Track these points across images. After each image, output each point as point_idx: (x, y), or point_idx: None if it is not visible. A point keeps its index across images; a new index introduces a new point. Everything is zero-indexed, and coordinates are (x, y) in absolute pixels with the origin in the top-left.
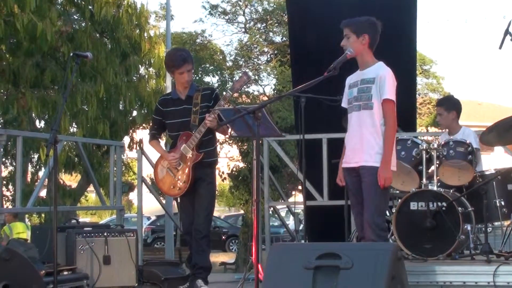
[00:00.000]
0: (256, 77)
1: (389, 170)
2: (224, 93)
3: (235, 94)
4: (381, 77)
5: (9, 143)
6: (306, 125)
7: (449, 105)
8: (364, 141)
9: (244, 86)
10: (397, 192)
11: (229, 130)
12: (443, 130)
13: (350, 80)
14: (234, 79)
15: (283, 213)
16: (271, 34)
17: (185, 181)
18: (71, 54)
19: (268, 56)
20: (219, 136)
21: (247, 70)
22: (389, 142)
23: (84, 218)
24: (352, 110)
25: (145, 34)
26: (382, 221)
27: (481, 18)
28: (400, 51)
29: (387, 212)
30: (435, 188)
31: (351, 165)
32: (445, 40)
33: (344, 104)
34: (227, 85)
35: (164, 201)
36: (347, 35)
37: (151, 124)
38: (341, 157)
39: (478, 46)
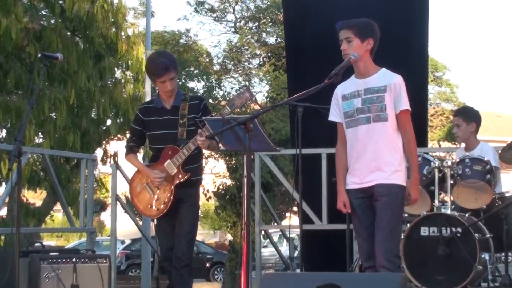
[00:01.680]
0: (247, 82)
1: (417, 189)
2: (223, 108)
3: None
4: (396, 85)
5: None
6: (303, 138)
7: (469, 116)
8: (381, 158)
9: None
10: (406, 215)
11: (219, 144)
12: (458, 145)
13: (343, 89)
14: (221, 85)
15: (276, 238)
16: (264, 34)
17: (165, 202)
18: (39, 55)
19: (261, 60)
20: (205, 150)
21: (247, 84)
22: (414, 156)
23: (49, 241)
24: (357, 124)
25: (122, 33)
26: (396, 246)
27: (500, 18)
28: (409, 56)
29: None
30: (448, 212)
31: (362, 185)
32: (459, 44)
33: (335, 117)
34: (214, 92)
35: (141, 223)
36: (348, 39)
37: (128, 135)
38: (338, 177)
39: (497, 50)
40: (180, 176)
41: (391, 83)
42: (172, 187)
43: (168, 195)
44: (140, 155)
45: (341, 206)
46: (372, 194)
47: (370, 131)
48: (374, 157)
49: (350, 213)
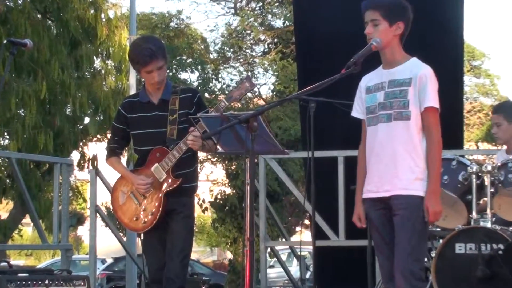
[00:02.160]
0: (249, 73)
1: (438, 202)
2: (219, 102)
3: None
4: (421, 77)
5: None
6: (316, 139)
7: (511, 113)
8: (400, 163)
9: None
10: (438, 230)
11: (216, 146)
12: (500, 147)
13: (368, 81)
14: (219, 76)
15: (284, 256)
16: (269, 16)
17: (154, 212)
18: (4, 41)
19: (266, 46)
20: (200, 153)
21: (249, 75)
22: (436, 163)
23: (17, 260)
24: (378, 122)
25: (102, 16)
26: (420, 268)
27: None
28: (441, 43)
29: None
30: (488, 225)
31: (379, 194)
32: (501, 28)
33: (357, 113)
34: (210, 85)
35: (125, 238)
36: (375, 21)
37: (110, 135)
38: (358, 185)
39: None
40: (170, 183)
41: (417, 75)
42: (161, 195)
43: (157, 204)
44: (124, 159)
45: (356, 219)
46: (391, 206)
47: (390, 131)
48: (392, 162)
49: (368, 228)
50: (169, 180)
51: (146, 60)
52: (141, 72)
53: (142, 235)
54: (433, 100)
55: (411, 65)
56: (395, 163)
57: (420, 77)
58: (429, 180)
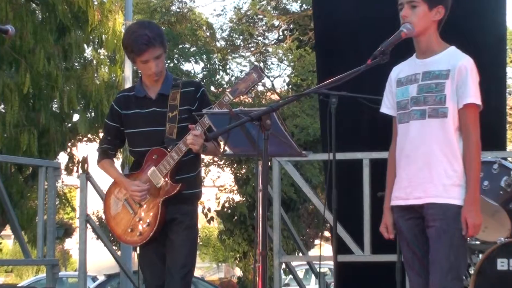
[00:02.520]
0: (261, 64)
1: (478, 212)
2: (222, 96)
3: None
4: (461, 69)
5: None
6: (338, 139)
7: None
8: (434, 166)
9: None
10: (477, 243)
11: (222, 147)
12: None
13: (399, 72)
14: (227, 67)
15: (301, 273)
16: None
17: (150, 223)
18: None
19: (280, 33)
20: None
21: (260, 65)
22: (475, 167)
23: None
24: (409, 119)
25: None
26: (459, 287)
27: None
28: (480, 31)
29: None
30: None
31: (409, 201)
32: None
33: (387, 109)
34: (217, 77)
35: (119, 253)
36: (412, 3)
37: (102, 134)
38: (387, 190)
39: None
40: (168, 189)
41: (456, 66)
42: (159, 203)
43: (154, 213)
44: (118, 162)
45: (383, 229)
46: (424, 216)
47: (424, 130)
48: (425, 165)
49: (397, 240)
50: (168, 186)
51: (141, 48)
52: (137, 62)
53: (138, 248)
54: (474, 95)
55: (449, 55)
56: (429, 166)
57: (459, 68)
58: (467, 187)
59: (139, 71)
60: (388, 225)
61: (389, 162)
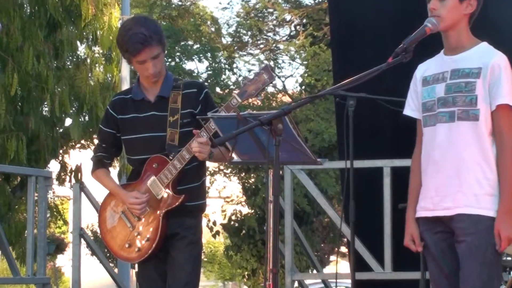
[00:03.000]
0: (272, 62)
1: None
2: (230, 99)
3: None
4: (494, 67)
5: None
6: (356, 145)
7: None
8: (465, 174)
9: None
10: (508, 259)
11: (230, 153)
12: None
13: (425, 70)
14: (234, 66)
15: None
16: None
17: (150, 238)
18: None
19: (292, 28)
20: (210, 163)
21: (270, 64)
22: (510, 175)
23: None
24: (436, 121)
25: None
26: None
27: None
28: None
29: None
30: None
31: (436, 213)
32: None
33: (411, 110)
34: (223, 77)
35: (116, 270)
36: None
37: (97, 141)
38: (411, 199)
39: None
40: (170, 200)
41: (488, 64)
42: (160, 216)
43: (154, 228)
44: (114, 171)
45: (409, 242)
46: (453, 229)
47: (453, 134)
48: (455, 173)
49: (423, 254)
50: (169, 197)
51: (137, 48)
52: (133, 63)
53: (136, 266)
54: (508, 95)
55: (481, 51)
56: (459, 174)
57: (492, 67)
58: (501, 196)
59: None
60: (414, 236)
61: (412, 169)
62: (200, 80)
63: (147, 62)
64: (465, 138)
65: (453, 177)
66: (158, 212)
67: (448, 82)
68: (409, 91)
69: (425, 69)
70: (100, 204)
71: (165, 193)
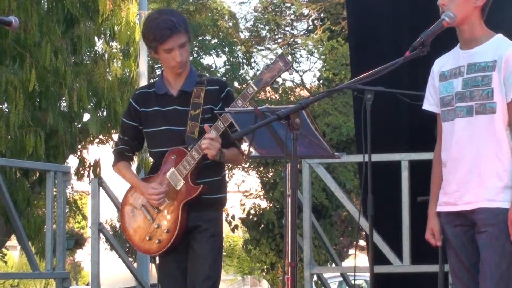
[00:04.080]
0: (290, 57)
1: None
2: (246, 87)
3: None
4: (509, 59)
5: None
6: (374, 139)
7: None
8: (484, 167)
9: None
10: None
11: (247, 149)
12: None
13: (442, 65)
14: (251, 61)
15: (334, 286)
16: None
17: (170, 229)
18: None
19: (310, 23)
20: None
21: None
22: None
23: None
24: (455, 116)
25: None
26: None
27: None
28: None
29: None
30: None
31: (458, 207)
32: None
33: (430, 105)
34: (241, 71)
35: (135, 264)
36: None
37: (118, 134)
38: (432, 194)
39: None
40: (188, 191)
41: (502, 56)
42: (180, 207)
43: (174, 219)
44: (133, 166)
45: (429, 236)
46: (474, 222)
47: (472, 128)
48: (475, 167)
49: (444, 247)
50: (188, 188)
51: (165, 34)
52: (159, 53)
53: (157, 259)
54: None
55: (495, 44)
56: (479, 169)
57: (506, 58)
58: None
59: (157, 66)
60: (435, 231)
61: (434, 164)
62: (218, 74)
63: (175, 50)
64: (483, 132)
65: (473, 172)
66: (177, 203)
67: (465, 76)
68: (427, 86)
69: (442, 64)
70: (118, 199)
71: (184, 184)
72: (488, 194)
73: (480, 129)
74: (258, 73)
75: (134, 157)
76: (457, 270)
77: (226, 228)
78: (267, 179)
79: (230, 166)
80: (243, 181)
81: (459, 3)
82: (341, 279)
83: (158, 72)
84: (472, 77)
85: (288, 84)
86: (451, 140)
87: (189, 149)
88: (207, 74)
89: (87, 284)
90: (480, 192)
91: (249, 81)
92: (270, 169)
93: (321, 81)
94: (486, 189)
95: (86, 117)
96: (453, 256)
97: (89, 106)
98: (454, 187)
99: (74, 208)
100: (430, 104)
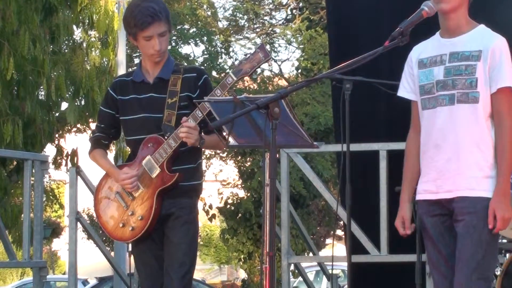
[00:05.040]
0: (268, 46)
1: (508, 205)
2: (225, 77)
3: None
4: (495, 50)
5: None
6: (352, 129)
7: None
8: (465, 156)
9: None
10: (504, 241)
11: (226, 138)
12: None
13: (421, 53)
14: (230, 50)
15: (311, 275)
16: None
17: (144, 216)
18: None
19: (289, 12)
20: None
21: (262, 43)
22: (508, 158)
23: None
24: (436, 104)
25: None
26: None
27: None
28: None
29: None
30: None
31: (439, 195)
32: None
33: (406, 92)
34: (219, 60)
35: (112, 253)
36: None
37: (96, 122)
38: (405, 181)
39: None
40: (163, 179)
41: (488, 47)
42: (154, 194)
43: (148, 206)
44: (111, 155)
45: (399, 224)
46: (452, 210)
47: (453, 117)
48: (455, 155)
49: (423, 237)
50: (164, 176)
51: (146, 21)
52: (138, 39)
53: (131, 246)
54: (509, 79)
55: (480, 34)
56: (458, 157)
57: (493, 50)
58: (498, 178)
59: (134, 55)
60: (405, 219)
61: (407, 151)
62: (197, 64)
63: (154, 38)
64: (465, 120)
65: (453, 160)
66: (152, 191)
67: (447, 65)
68: (404, 73)
69: (421, 51)
70: (96, 187)
71: (160, 171)
72: (468, 183)
73: (462, 118)
74: (236, 62)
75: (110, 145)
76: (435, 259)
77: (203, 218)
78: (244, 169)
79: (208, 155)
80: (221, 170)
81: None
82: (318, 268)
83: (136, 61)
84: (455, 66)
85: (267, 73)
86: (432, 128)
87: (166, 137)
88: (185, 63)
89: (64, 273)
90: (459, 180)
91: (228, 71)
92: (248, 159)
93: (299, 71)
94: (466, 178)
95: (64, 106)
96: (430, 246)
97: (67, 95)
98: (435, 175)
99: (51, 197)
100: (406, 91)
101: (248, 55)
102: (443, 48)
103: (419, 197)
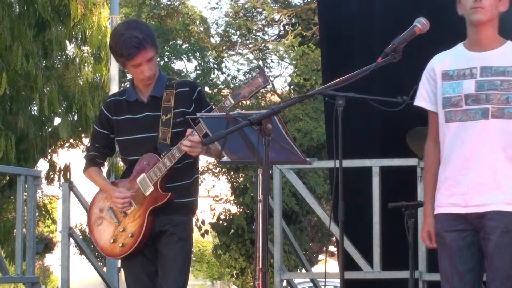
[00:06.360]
0: (261, 62)
1: None
2: (223, 101)
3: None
4: None
5: None
6: (345, 145)
7: None
8: (501, 171)
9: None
10: None
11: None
12: None
13: (445, 64)
14: (223, 65)
15: None
16: None
17: (135, 233)
18: None
19: (281, 28)
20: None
21: (263, 67)
22: None
23: None
24: (467, 118)
25: None
26: None
27: None
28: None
29: None
30: None
31: (469, 209)
32: None
33: (425, 102)
34: (212, 76)
35: (105, 269)
36: None
37: (90, 140)
38: (427, 194)
39: None
40: (157, 197)
41: None
42: (146, 212)
43: (139, 223)
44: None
45: (425, 237)
46: (481, 227)
47: (487, 131)
48: (489, 170)
49: (437, 248)
50: (156, 195)
51: (132, 52)
52: (127, 67)
53: (121, 262)
54: None
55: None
56: (494, 171)
57: None
58: None
59: (126, 71)
60: (432, 233)
61: (428, 163)
62: (190, 79)
63: (142, 65)
64: (500, 136)
65: (487, 174)
66: (144, 209)
67: (478, 78)
68: (423, 82)
69: (443, 62)
70: (88, 203)
71: (153, 190)
72: (505, 198)
73: (496, 133)
74: (229, 78)
75: (104, 162)
76: (449, 274)
77: (195, 233)
78: (237, 184)
79: (201, 170)
80: (213, 186)
81: (492, 4)
82: (311, 284)
83: (129, 76)
84: (489, 80)
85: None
86: (462, 143)
87: (162, 156)
88: (177, 79)
89: None
90: (495, 195)
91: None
92: (241, 174)
93: (292, 87)
94: (503, 192)
95: (57, 121)
96: (445, 260)
97: (60, 110)
98: (464, 189)
99: (44, 212)
100: (425, 101)
101: (248, 79)
102: (472, 61)
103: (440, 210)
